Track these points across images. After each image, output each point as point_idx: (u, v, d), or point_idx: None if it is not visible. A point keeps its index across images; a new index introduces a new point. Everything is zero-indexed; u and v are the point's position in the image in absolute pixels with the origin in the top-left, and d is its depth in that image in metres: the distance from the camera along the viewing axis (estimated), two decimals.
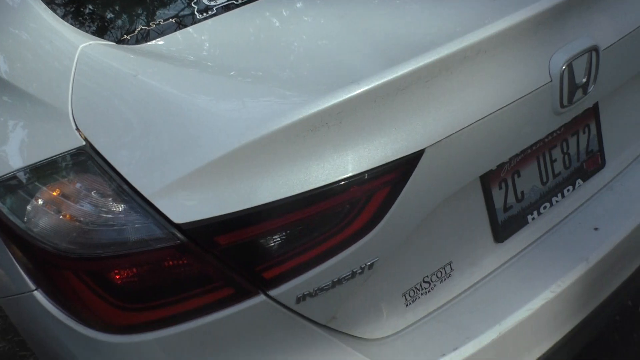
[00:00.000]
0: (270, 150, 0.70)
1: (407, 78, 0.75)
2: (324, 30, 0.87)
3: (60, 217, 0.72)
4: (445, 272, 0.93)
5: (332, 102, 0.71)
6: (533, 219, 1.04)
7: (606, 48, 0.97)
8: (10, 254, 0.78)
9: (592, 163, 1.13)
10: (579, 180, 1.11)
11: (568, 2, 0.90)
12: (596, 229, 1.06)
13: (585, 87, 0.95)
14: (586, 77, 0.95)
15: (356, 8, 0.92)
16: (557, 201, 1.07)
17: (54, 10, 0.94)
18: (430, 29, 0.84)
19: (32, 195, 0.74)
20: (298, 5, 0.95)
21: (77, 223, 0.71)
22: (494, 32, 0.81)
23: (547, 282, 0.96)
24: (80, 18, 0.95)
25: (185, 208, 0.67)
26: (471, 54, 0.81)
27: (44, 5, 0.94)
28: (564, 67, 0.90)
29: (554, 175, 1.07)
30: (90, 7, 0.99)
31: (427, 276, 0.92)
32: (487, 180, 0.95)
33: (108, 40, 0.88)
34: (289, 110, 0.70)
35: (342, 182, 0.73)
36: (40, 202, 0.73)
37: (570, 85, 0.93)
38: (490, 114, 0.84)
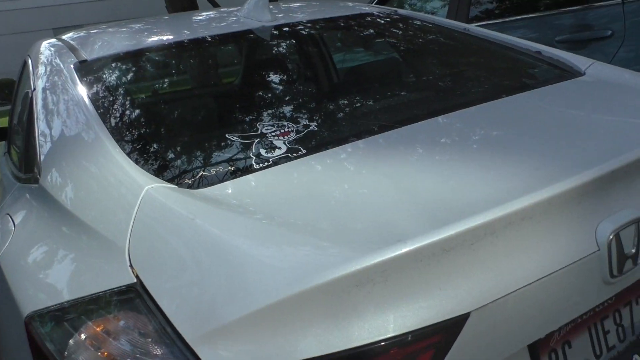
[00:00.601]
0: (314, 303, 0.71)
1: (452, 240, 0.78)
2: (371, 188, 0.93)
3: (99, 354, 0.73)
4: None
5: (379, 259, 0.73)
6: None
7: None
8: None
9: None
10: (636, 356, 1.04)
11: (611, 175, 0.93)
12: None
13: (635, 258, 0.95)
14: (635, 248, 0.94)
15: (403, 168, 0.99)
16: None
17: (124, 150, 1.06)
18: (475, 193, 0.88)
19: (76, 329, 0.75)
20: (347, 163, 1.03)
21: None
22: (538, 200, 0.84)
23: None
24: (148, 160, 1.06)
25: (224, 358, 0.67)
26: (516, 220, 0.83)
27: (116, 144, 1.06)
28: (611, 237, 0.91)
29: (608, 349, 1.01)
30: (158, 150, 1.10)
31: None
32: (536, 350, 0.91)
33: (171, 182, 0.96)
34: (338, 264, 0.73)
35: (383, 343, 0.72)
36: (82, 336, 0.74)
37: (619, 256, 0.92)
38: (537, 280, 0.84)
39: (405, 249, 0.75)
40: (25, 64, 1.71)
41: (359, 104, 1.41)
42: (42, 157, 1.14)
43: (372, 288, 0.74)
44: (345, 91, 1.68)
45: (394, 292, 0.75)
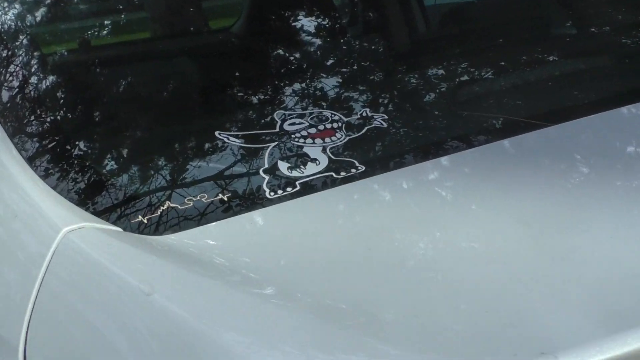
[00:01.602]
0: None
1: None
2: (487, 244, 0.92)
3: None
4: None
5: None
6: None
7: None
8: None
9: None
10: None
11: None
12: None
13: None
14: None
15: (554, 205, 0.97)
16: None
17: (26, 155, 1.07)
18: None
19: None
20: (444, 192, 1.04)
21: None
22: None
23: None
24: (69, 175, 1.07)
25: None
26: None
27: (11, 145, 1.08)
28: None
29: None
30: (88, 158, 1.11)
31: None
32: None
33: (111, 221, 0.97)
34: None
35: None
36: None
37: None
38: None
39: None
40: None
41: (466, 78, 1.41)
42: None
43: None
44: (440, 52, 1.67)
45: None
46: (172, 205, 1.01)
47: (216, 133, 1.16)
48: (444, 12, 2.08)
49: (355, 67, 1.51)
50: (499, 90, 1.34)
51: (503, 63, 1.45)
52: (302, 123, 1.17)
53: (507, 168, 1.07)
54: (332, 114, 1.19)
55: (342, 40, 1.66)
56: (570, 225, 0.95)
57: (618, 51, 1.52)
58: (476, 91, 1.35)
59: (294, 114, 1.21)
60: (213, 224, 0.98)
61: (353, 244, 0.94)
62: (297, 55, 1.52)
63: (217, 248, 0.95)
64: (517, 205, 0.99)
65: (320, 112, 1.20)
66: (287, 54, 1.53)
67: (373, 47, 1.76)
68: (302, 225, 0.99)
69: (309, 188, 1.03)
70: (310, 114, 1.20)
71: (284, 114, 1.20)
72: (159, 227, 0.98)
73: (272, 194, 1.02)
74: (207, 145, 1.17)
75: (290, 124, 1.17)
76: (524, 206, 0.98)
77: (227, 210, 1.01)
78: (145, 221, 0.99)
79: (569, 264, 0.89)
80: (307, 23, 1.62)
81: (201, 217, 0.99)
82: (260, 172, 1.06)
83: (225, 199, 1.03)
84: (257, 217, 1.00)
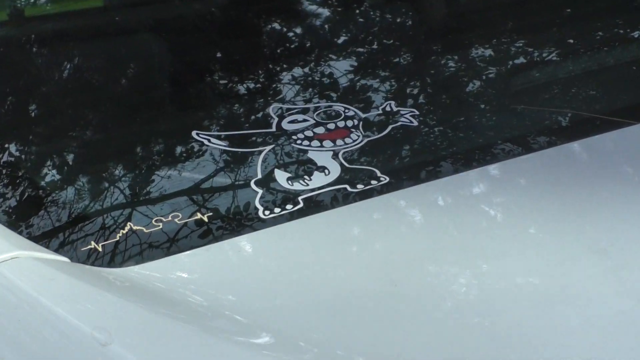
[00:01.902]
0: None
1: None
2: (552, 280, 0.92)
3: None
4: None
5: None
6: None
7: None
8: None
9: None
10: None
11: None
12: None
13: None
14: None
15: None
16: None
17: None
18: None
19: None
20: (496, 210, 1.04)
21: None
22: None
23: None
24: (3, 195, 1.08)
25: None
26: None
27: None
28: None
29: None
30: (23, 166, 1.11)
31: None
32: None
33: (56, 250, 0.97)
34: None
35: None
36: None
37: None
38: None
39: None
40: None
41: (522, 60, 1.42)
42: None
43: None
44: (488, 26, 1.67)
45: None
46: (134, 227, 1.02)
47: (193, 133, 1.17)
48: None
49: (375, 46, 1.51)
50: (567, 77, 1.34)
51: (572, 41, 1.45)
52: (307, 120, 1.18)
53: (577, 179, 1.08)
54: (345, 108, 1.21)
55: (358, 11, 1.66)
56: None
57: None
58: (536, 78, 1.35)
59: (295, 108, 1.22)
60: (188, 252, 0.98)
61: (373, 278, 0.95)
62: (299, 29, 1.52)
63: (193, 283, 0.95)
64: (591, 229, 1.00)
65: (330, 106, 1.21)
66: (285, 28, 1.53)
67: (399, 20, 1.76)
68: (306, 253, 0.99)
69: (315, 205, 1.04)
70: (317, 108, 1.21)
71: (282, 108, 1.21)
72: (117, 256, 0.99)
73: (266, 212, 1.03)
74: (180, 149, 1.18)
75: (290, 122, 1.18)
76: (599, 229, 0.99)
77: (207, 234, 1.02)
78: (100, 249, 0.99)
79: None
80: None
81: (172, 243, 1.00)
82: (252, 184, 1.08)
83: (205, 219, 1.04)
84: (245, 243, 1.00)
